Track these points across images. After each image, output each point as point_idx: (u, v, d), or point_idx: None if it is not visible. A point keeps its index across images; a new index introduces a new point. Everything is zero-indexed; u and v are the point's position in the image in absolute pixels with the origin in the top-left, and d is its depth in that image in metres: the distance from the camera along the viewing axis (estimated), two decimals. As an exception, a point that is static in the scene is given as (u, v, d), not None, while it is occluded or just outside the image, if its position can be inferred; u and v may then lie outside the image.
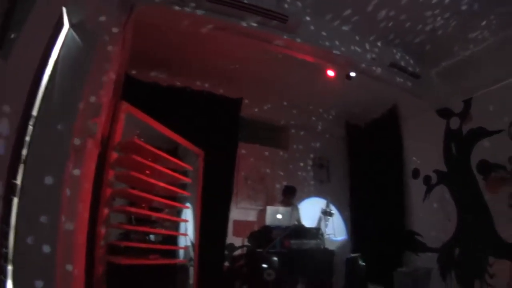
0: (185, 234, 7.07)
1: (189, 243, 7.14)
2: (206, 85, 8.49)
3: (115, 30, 4.80)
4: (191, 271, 6.99)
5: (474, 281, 7.47)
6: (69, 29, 4.05)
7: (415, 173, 9.23)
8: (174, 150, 7.07)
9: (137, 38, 6.39)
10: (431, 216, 8.65)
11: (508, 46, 7.09)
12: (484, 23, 6.91)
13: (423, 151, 9.20)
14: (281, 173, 9.83)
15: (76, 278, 3.94)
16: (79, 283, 4.09)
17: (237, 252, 8.22)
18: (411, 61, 8.12)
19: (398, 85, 8.04)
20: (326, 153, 10.89)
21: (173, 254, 6.89)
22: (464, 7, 6.59)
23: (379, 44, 7.70)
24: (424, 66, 8.24)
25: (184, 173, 7.01)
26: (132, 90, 6.50)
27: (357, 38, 7.41)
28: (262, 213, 8.45)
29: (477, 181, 7.84)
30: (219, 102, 8.51)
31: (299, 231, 7.95)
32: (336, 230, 8.81)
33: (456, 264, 7.91)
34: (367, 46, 7.53)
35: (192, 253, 7.06)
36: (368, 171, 10.24)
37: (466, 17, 6.81)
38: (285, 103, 9.80)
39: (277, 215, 7.71)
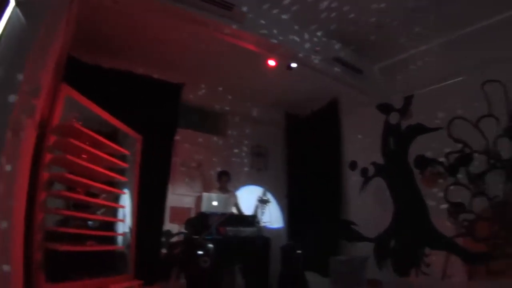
0: (122, 220, 6.90)
1: (127, 230, 6.99)
2: (148, 69, 8.26)
3: (60, 9, 4.59)
4: (129, 257, 6.85)
5: (410, 270, 7.76)
6: (14, 7, 3.85)
7: (353, 165, 9.41)
8: (113, 134, 6.86)
9: (81, 19, 6.16)
10: (367, 207, 8.89)
11: (452, 47, 7.33)
12: (429, 22, 7.08)
13: (361, 144, 9.41)
14: (218, 160, 9.74)
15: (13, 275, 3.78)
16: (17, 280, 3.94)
17: (174, 239, 8.12)
18: (354, 56, 8.24)
19: (339, 78, 8.16)
20: (265, 142, 10.89)
21: (111, 240, 6.70)
22: (410, 4, 6.71)
23: (322, 37, 7.76)
24: (367, 61, 8.43)
25: (123, 158, 6.84)
26: (74, 72, 6.25)
27: (300, 29, 7.43)
28: (198, 199, 8.39)
29: (414, 175, 8.13)
30: (160, 87, 8.32)
31: (235, 218, 7.97)
32: (272, 218, 8.83)
33: (392, 253, 8.19)
34: (310, 38, 7.56)
35: (129, 240, 6.92)
36: (306, 161, 10.38)
37: (412, 14, 6.95)
38: (224, 90, 9.70)
39: (212, 201, 7.66)
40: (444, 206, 7.48)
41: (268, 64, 7.89)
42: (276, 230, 9.79)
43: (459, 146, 7.42)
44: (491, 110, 7.03)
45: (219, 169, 9.16)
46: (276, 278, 7.94)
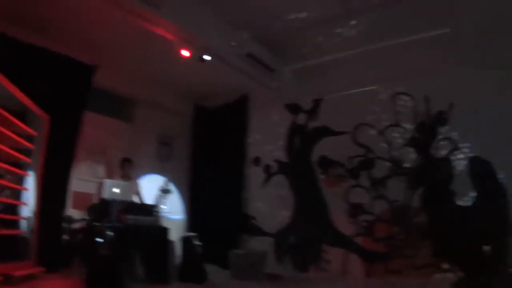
0: (24, 203, 6.53)
1: (30, 214, 6.62)
2: (65, 48, 7.80)
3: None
4: (32, 243, 6.50)
5: (309, 266, 8.09)
6: None
7: (256, 161, 9.50)
8: (21, 113, 6.45)
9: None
10: (269, 202, 9.10)
11: (367, 57, 7.78)
12: (349, 31, 7.44)
13: (266, 141, 9.55)
14: (123, 147, 9.43)
15: None
16: None
17: (77, 225, 7.81)
18: (268, 54, 8.39)
19: (251, 74, 8.27)
20: (172, 131, 10.72)
21: (14, 224, 6.31)
22: (332, 12, 7.00)
23: (239, 32, 7.77)
24: (280, 61, 8.63)
25: (29, 138, 6.48)
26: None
27: (218, 23, 7.45)
28: (101, 185, 8.10)
29: (316, 175, 8.50)
30: (73, 67, 7.83)
31: (136, 207, 7.78)
32: (173, 209, 8.76)
33: (291, 249, 8.45)
34: (226, 32, 7.61)
35: (33, 224, 6.57)
36: (211, 153, 10.34)
37: (332, 23, 7.25)
38: (135, 76, 9.40)
39: (114, 188, 7.46)
40: (345, 206, 7.86)
41: (181, 54, 7.79)
42: (177, 221, 9.72)
43: (363, 151, 7.84)
44: (398, 121, 7.54)
45: (123, 156, 8.90)
46: (176, 269, 7.89)
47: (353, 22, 7.45)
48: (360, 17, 7.34)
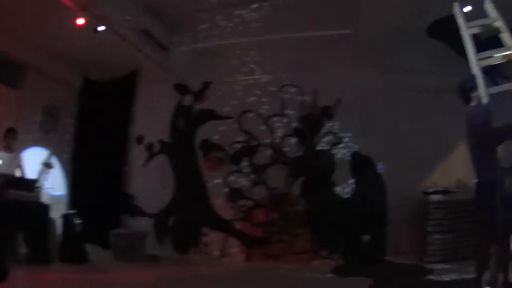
0: None
1: None
2: None
3: None
4: None
5: (188, 248, 8.23)
6: None
7: (140, 139, 9.31)
8: None
9: None
10: (150, 182, 8.96)
11: (263, 46, 8.01)
12: (249, 18, 7.53)
13: (152, 119, 9.32)
14: (8, 115, 8.79)
15: None
16: None
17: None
18: (163, 32, 8.25)
19: (144, 51, 8.08)
20: (59, 102, 10.13)
21: None
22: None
23: (135, 7, 7.52)
24: (175, 41, 8.53)
25: None
26: None
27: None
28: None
29: (198, 158, 8.59)
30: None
31: (18, 181, 7.42)
32: (55, 184, 8.41)
33: (171, 231, 8.50)
34: (124, 6, 7.34)
35: None
36: (96, 128, 9.90)
37: (231, 9, 7.31)
38: (26, 41, 8.72)
39: (-4, 161, 7.08)
40: (225, 190, 8.14)
41: (76, 23, 7.45)
42: (59, 197, 9.29)
43: (246, 137, 8.12)
44: (284, 111, 7.86)
45: (7, 125, 8.32)
46: (56, 248, 7.67)
47: (254, 5, 7.55)
48: (263, 4, 7.47)
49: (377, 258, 7.33)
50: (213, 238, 8.09)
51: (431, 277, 6.27)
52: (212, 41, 8.36)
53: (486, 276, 4.06)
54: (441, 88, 7.69)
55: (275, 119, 8.05)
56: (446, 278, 6.07)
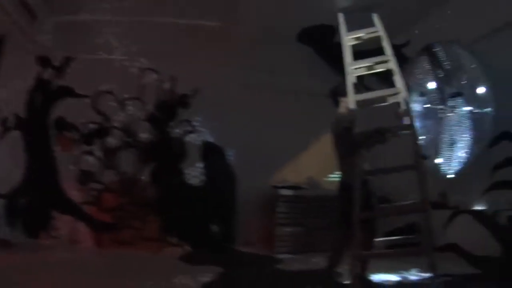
0: None
1: None
2: None
3: None
4: None
5: (39, 232, 8.02)
6: None
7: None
8: None
9: None
10: (3, 160, 8.47)
11: (128, 26, 8.06)
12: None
13: (11, 91, 8.49)
14: None
15: None
16: None
17: None
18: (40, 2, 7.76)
19: (12, 16, 7.55)
20: None
21: None
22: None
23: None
24: (46, 10, 8.04)
25: None
26: None
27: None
28: None
29: (51, 136, 8.32)
30: None
31: None
32: None
33: (22, 213, 8.13)
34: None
35: None
36: None
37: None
38: None
39: None
40: (75, 172, 8.02)
41: None
42: None
43: (100, 118, 8.01)
44: (141, 95, 7.83)
45: None
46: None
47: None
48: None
49: (225, 247, 7.61)
50: (63, 222, 7.96)
51: (279, 266, 6.66)
52: (81, 14, 8.11)
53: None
54: (300, 90, 8.08)
55: (131, 102, 7.95)
56: (294, 268, 6.48)
